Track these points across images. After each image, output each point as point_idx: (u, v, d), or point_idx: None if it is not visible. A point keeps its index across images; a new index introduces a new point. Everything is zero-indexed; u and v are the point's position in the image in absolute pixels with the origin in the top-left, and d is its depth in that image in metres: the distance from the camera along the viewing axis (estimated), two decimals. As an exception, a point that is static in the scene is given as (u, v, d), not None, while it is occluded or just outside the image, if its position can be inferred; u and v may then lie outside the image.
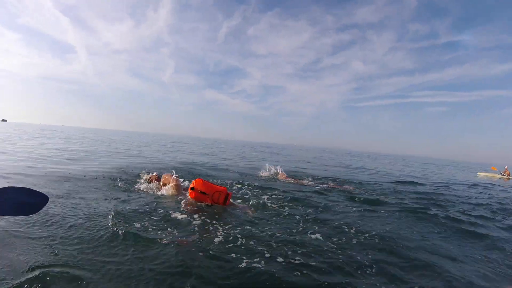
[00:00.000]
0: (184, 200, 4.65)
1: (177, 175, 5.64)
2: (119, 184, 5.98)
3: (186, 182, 5.90)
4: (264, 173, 9.16)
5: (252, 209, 4.66)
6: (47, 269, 2.29)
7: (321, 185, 8.07)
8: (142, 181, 6.08)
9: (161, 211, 4.11)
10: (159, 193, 5.28)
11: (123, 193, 5.22)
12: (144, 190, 5.52)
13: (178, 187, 5.27)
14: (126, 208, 4.12)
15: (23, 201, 2.12)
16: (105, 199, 4.65)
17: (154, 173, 6.22)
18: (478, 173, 22.54)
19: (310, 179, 9.34)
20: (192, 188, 4.47)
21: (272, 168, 9.30)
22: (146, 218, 3.74)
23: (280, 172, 8.93)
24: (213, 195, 4.40)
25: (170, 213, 4.02)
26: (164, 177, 5.60)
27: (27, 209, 2.21)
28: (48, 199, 2.28)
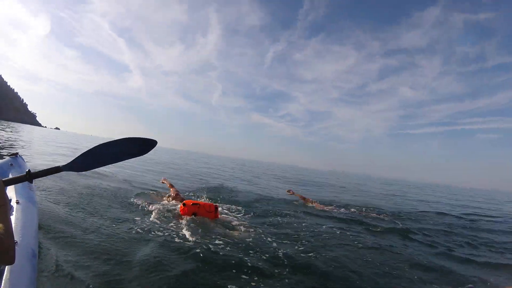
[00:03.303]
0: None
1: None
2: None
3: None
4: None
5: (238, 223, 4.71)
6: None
7: (339, 211, 7.46)
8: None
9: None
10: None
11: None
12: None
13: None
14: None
15: (130, 149, 2.28)
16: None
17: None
18: None
19: (335, 206, 8.40)
20: (184, 204, 4.69)
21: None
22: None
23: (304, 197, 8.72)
24: (204, 206, 4.71)
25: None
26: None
27: (134, 153, 2.32)
28: (156, 142, 2.34)
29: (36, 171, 1.87)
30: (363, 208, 8.55)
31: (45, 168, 1.93)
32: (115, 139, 2.26)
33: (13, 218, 2.09)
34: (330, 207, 7.89)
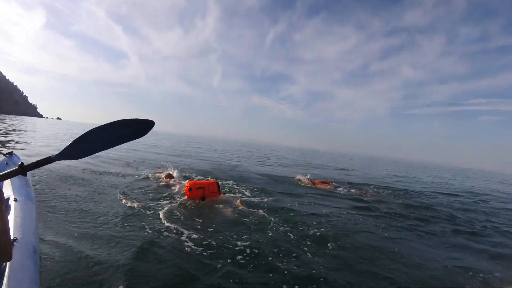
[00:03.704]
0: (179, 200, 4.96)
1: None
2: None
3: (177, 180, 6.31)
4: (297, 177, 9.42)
5: (239, 201, 4.98)
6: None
7: (344, 191, 7.97)
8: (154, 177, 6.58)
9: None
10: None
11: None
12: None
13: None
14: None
15: (126, 131, 2.13)
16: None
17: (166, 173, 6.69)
18: None
19: (338, 185, 8.94)
20: (190, 189, 4.89)
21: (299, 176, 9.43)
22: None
23: (304, 177, 9.02)
24: (208, 187, 4.99)
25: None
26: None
27: (131, 136, 2.14)
28: (153, 123, 2.13)
29: (28, 163, 1.84)
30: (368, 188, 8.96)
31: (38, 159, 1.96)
32: (110, 121, 2.08)
33: (11, 215, 2.13)
34: (329, 186, 8.29)
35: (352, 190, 8.19)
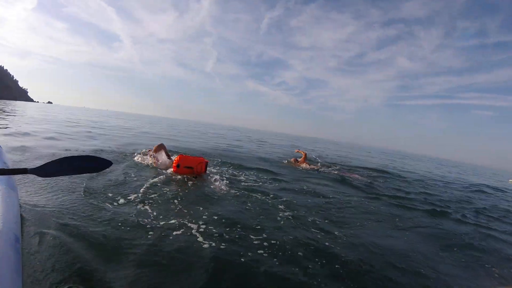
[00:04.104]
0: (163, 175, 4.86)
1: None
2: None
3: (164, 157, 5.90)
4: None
5: (224, 185, 4.78)
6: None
7: (329, 171, 8.41)
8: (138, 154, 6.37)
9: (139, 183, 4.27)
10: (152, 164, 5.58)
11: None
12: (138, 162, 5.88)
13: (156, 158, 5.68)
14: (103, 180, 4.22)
15: (88, 165, 2.50)
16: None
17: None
18: (509, 180, 21.91)
19: (320, 165, 9.37)
20: (178, 166, 4.86)
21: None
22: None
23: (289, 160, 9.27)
24: (196, 167, 4.97)
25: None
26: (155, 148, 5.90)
27: (91, 170, 2.56)
28: (111, 163, 2.58)
29: (4, 168, 2.05)
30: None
31: (12, 168, 2.14)
32: (79, 155, 2.53)
33: None
34: (316, 166, 8.61)
35: (335, 172, 8.44)
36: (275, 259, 2.51)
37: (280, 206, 4.07)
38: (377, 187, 6.93)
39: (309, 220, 3.68)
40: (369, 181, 7.64)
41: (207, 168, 5.33)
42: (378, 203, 5.18)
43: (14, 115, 18.78)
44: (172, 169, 5.01)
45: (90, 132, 12.75)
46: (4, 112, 21.14)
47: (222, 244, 2.65)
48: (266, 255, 2.58)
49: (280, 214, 3.73)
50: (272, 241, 2.85)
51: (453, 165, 39.65)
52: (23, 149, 6.23)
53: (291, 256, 2.62)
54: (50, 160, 2.25)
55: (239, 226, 3.15)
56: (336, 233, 3.36)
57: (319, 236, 3.19)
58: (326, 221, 3.76)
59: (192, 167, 4.96)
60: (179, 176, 4.87)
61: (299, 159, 8.92)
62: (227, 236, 2.84)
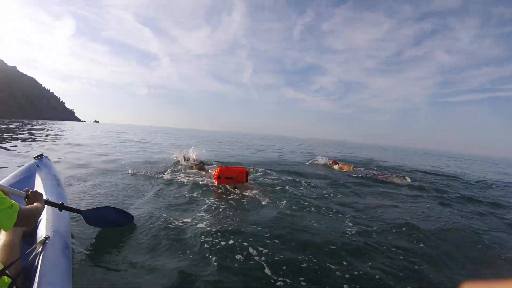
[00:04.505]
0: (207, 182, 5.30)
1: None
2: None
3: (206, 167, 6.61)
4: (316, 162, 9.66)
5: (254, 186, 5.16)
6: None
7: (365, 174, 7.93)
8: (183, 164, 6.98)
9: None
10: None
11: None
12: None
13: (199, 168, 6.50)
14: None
15: (113, 218, 2.86)
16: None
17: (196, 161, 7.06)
18: None
19: (361, 167, 9.19)
20: (219, 177, 5.08)
21: (322, 159, 9.69)
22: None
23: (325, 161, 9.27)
24: (237, 177, 5.09)
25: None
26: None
27: (115, 224, 2.89)
28: (133, 218, 3.00)
29: (67, 206, 2.44)
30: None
31: (70, 205, 2.53)
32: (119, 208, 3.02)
33: (44, 215, 2.17)
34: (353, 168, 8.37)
35: (374, 173, 8.09)
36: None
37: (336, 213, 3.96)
38: (446, 193, 6.33)
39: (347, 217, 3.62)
40: (425, 185, 7.00)
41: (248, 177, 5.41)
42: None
43: (63, 133, 20.29)
44: (215, 181, 5.18)
45: (142, 146, 13.70)
46: (52, 130, 22.88)
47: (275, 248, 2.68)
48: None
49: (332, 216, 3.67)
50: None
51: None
52: (79, 165, 6.71)
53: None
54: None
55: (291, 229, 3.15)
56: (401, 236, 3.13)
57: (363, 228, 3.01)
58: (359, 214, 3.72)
59: (232, 177, 5.09)
60: (219, 189, 5.00)
61: (338, 163, 8.79)
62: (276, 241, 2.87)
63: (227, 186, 5.02)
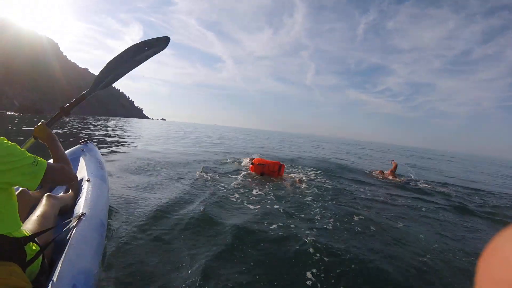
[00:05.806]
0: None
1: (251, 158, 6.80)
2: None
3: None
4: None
5: (298, 179, 5.25)
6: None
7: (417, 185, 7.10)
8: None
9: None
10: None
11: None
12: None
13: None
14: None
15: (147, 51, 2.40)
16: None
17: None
18: None
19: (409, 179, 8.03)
20: (252, 163, 5.50)
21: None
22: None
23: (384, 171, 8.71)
24: (268, 166, 5.35)
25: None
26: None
27: (153, 52, 2.46)
28: (169, 39, 2.45)
29: (67, 104, 2.19)
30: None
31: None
32: (126, 48, 2.39)
33: (83, 194, 2.20)
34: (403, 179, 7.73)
35: (426, 185, 7.17)
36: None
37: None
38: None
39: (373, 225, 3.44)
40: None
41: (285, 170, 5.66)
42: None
43: (136, 129, 22.54)
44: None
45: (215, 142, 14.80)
46: (124, 127, 25.20)
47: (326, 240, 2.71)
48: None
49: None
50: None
51: None
52: (150, 157, 7.38)
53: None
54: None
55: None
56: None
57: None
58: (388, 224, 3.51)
59: (263, 165, 5.42)
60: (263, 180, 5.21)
61: (386, 171, 8.45)
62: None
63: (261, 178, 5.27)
